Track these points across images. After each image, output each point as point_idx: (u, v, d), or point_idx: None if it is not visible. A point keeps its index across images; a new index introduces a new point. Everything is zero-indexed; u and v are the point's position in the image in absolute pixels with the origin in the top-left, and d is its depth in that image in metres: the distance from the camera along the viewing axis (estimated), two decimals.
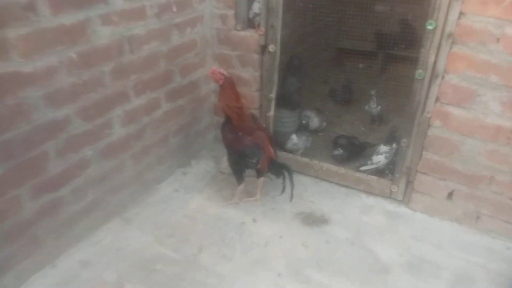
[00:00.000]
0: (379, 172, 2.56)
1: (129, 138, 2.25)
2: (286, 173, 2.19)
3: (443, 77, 2.02)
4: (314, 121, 3.16)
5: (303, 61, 3.07)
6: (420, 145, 2.22)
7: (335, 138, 2.94)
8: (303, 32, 3.70)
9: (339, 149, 2.80)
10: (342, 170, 2.54)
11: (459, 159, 2.13)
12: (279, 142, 2.94)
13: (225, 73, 2.19)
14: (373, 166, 2.57)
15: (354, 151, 2.81)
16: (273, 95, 2.59)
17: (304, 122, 2.82)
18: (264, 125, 2.44)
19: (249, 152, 2.21)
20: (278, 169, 2.22)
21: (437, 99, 2.08)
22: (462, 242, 2.16)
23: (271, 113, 2.65)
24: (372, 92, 3.24)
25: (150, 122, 2.36)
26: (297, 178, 2.61)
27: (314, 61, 3.88)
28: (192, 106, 2.68)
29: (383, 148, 2.58)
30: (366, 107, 3.31)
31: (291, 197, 2.19)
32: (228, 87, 2.19)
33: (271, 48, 2.47)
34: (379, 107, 3.29)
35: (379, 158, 2.56)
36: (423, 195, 2.31)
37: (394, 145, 2.52)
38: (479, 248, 2.13)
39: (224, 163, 2.59)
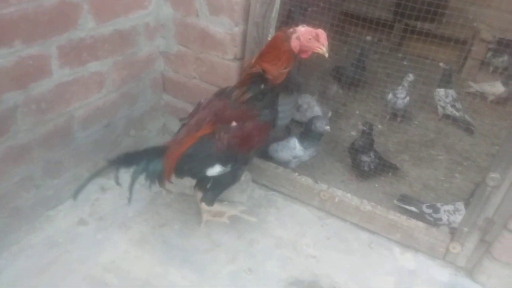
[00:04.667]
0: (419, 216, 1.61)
1: None
2: None
3: None
4: (315, 111, 2.11)
5: (307, 12, 1.94)
6: None
7: (363, 131, 1.81)
8: None
9: (371, 153, 1.79)
10: (366, 205, 1.53)
11: None
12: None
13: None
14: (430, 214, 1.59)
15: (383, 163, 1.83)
16: None
17: (314, 124, 1.62)
18: None
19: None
20: None
21: None
22: None
23: None
24: (408, 77, 2.22)
25: (24, 101, 1.23)
26: (291, 208, 1.59)
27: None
28: (121, 75, 1.55)
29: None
30: (390, 97, 2.30)
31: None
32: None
33: None
34: (408, 97, 2.29)
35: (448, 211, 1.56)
36: (505, 267, 1.35)
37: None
38: None
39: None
